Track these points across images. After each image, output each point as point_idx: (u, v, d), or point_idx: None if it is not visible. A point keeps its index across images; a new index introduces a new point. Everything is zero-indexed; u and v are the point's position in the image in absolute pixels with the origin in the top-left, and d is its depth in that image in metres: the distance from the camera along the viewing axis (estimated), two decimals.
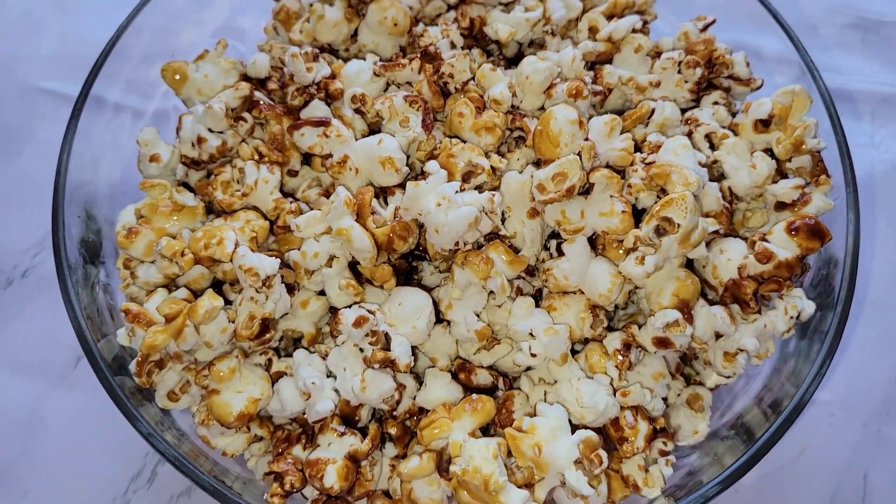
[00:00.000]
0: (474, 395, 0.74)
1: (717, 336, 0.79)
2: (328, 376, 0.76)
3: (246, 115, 0.85)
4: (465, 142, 0.80)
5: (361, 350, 0.74)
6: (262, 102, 0.85)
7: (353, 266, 0.78)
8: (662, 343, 0.77)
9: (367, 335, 0.73)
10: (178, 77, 0.90)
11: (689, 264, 0.80)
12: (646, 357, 0.80)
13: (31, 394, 1.04)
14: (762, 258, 0.77)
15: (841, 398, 1.05)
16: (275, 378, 0.78)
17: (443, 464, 0.74)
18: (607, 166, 0.79)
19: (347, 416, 0.77)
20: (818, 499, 0.99)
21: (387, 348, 0.73)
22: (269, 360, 0.79)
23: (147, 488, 0.99)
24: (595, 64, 0.90)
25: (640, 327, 0.79)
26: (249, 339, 0.74)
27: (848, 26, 1.31)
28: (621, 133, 0.80)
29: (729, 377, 0.82)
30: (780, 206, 0.82)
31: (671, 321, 0.74)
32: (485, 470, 0.67)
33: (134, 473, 1.00)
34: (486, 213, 0.76)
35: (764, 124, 0.84)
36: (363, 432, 0.76)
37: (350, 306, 0.76)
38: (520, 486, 0.70)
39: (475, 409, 0.72)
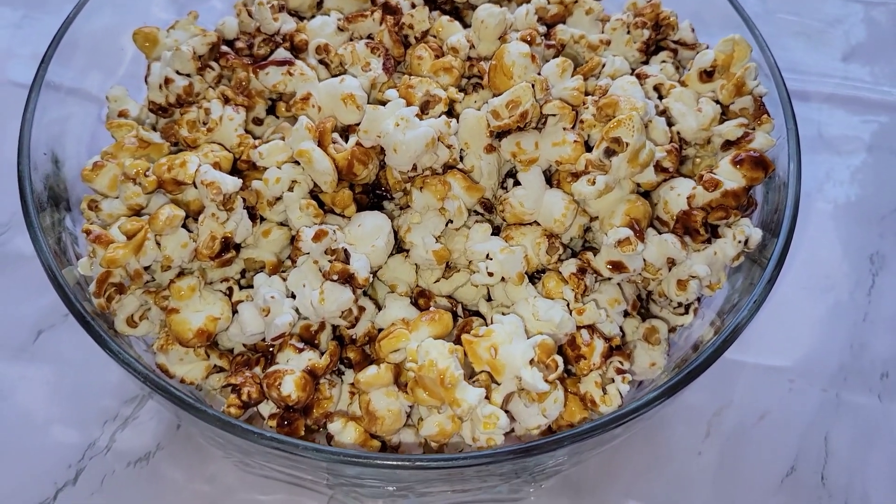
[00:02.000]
0: (432, 308, 0.76)
1: (670, 266, 0.82)
2: (288, 297, 0.77)
3: (213, 63, 0.88)
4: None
5: (321, 269, 0.75)
6: (229, 53, 0.88)
7: (315, 196, 0.80)
8: (616, 266, 0.79)
9: (326, 252, 0.74)
10: (147, 43, 0.93)
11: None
12: (601, 285, 0.82)
13: None
14: (709, 186, 0.80)
15: (799, 365, 1.06)
16: (235, 306, 0.78)
17: (401, 379, 0.74)
18: None
19: (307, 340, 0.77)
20: (781, 461, 1.00)
21: (346, 262, 0.74)
22: (230, 290, 0.79)
23: (104, 454, 0.97)
24: (548, 26, 0.95)
25: (595, 254, 0.81)
26: (210, 258, 0.75)
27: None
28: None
29: (683, 306, 0.84)
30: (727, 145, 0.86)
31: (622, 238, 0.76)
32: (440, 364, 0.67)
33: (91, 440, 0.98)
34: (443, 140, 0.78)
35: (708, 74, 0.88)
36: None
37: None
38: None
39: (433, 320, 0.73)
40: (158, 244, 0.74)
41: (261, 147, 0.79)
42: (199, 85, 0.87)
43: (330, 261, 0.74)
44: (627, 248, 0.76)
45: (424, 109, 0.80)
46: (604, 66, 0.91)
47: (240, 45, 0.92)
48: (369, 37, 0.89)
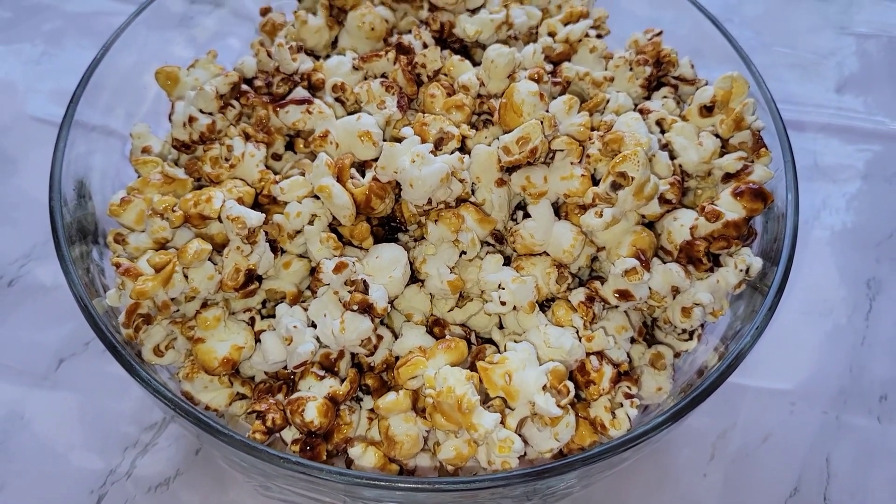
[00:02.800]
0: (447, 336, 0.79)
1: (675, 294, 0.85)
2: (309, 326, 0.80)
3: (234, 102, 0.92)
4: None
5: (341, 300, 0.78)
6: (249, 91, 0.92)
7: (334, 229, 0.84)
8: (623, 295, 0.82)
9: (346, 283, 0.78)
10: (169, 81, 0.97)
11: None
12: (609, 312, 0.85)
13: (11, 394, 1.06)
14: (711, 217, 0.83)
15: (800, 388, 1.09)
16: (257, 335, 0.82)
17: (419, 405, 0.77)
18: None
19: (327, 367, 0.80)
20: (785, 482, 1.03)
21: (365, 293, 0.77)
22: (252, 319, 0.83)
23: (125, 480, 0.99)
24: (554, 64, 0.99)
25: (602, 283, 0.84)
26: (234, 290, 0.79)
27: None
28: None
29: (687, 333, 0.87)
30: (727, 177, 0.90)
31: (629, 268, 0.79)
32: (458, 390, 0.70)
33: (112, 467, 1.00)
34: (456, 175, 0.82)
35: (708, 110, 0.92)
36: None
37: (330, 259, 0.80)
38: None
39: (448, 348, 0.76)
40: (186, 276, 0.78)
41: (282, 182, 0.83)
42: (220, 123, 0.91)
43: (350, 291, 0.77)
44: (634, 277, 0.80)
45: (438, 146, 0.84)
46: (608, 101, 0.95)
47: (258, 83, 0.96)
48: (383, 75, 0.93)
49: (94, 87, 0.94)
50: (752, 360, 1.10)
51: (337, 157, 0.83)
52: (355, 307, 0.76)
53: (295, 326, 0.78)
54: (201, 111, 0.90)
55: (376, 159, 0.84)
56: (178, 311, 0.81)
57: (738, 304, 0.90)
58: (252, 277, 0.80)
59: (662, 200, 0.86)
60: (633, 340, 0.88)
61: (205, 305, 0.81)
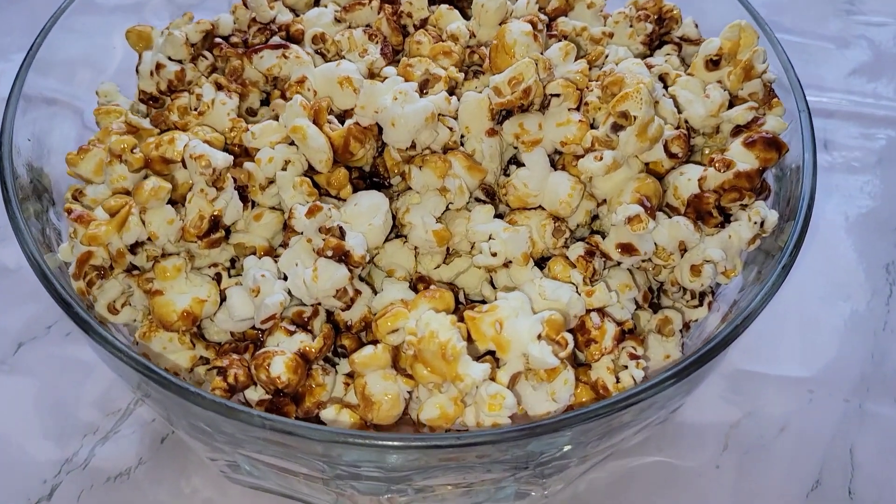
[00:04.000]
0: (432, 286, 0.71)
1: (683, 252, 0.78)
2: (280, 279, 0.72)
3: (206, 53, 0.86)
4: None
5: (315, 248, 0.71)
6: (222, 43, 0.86)
7: (311, 179, 0.77)
8: (626, 249, 0.75)
9: (320, 230, 0.70)
10: (141, 42, 0.91)
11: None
12: (611, 271, 0.77)
13: None
14: (721, 166, 0.76)
15: (819, 376, 1.01)
16: (223, 293, 0.74)
17: (400, 363, 0.69)
18: None
19: (299, 324, 0.72)
20: (805, 475, 0.94)
21: (341, 239, 0.70)
22: (219, 276, 0.75)
23: (82, 469, 0.91)
24: (550, 19, 0.93)
25: (603, 238, 0.77)
26: (198, 237, 0.71)
27: None
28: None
29: (697, 298, 0.79)
30: (737, 131, 0.83)
31: (632, 214, 0.72)
32: (441, 336, 0.62)
33: (69, 455, 0.92)
34: (443, 122, 0.75)
35: (714, 63, 0.86)
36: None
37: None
38: None
39: (433, 297, 0.68)
40: (143, 222, 0.70)
41: (253, 127, 0.76)
42: (191, 73, 0.84)
43: (324, 238, 0.70)
44: (638, 225, 0.72)
45: (424, 88, 0.77)
46: (607, 56, 0.88)
47: (234, 40, 0.90)
48: (367, 26, 0.87)
49: (47, 52, 0.88)
50: (766, 346, 1.03)
51: (314, 100, 0.76)
52: (329, 253, 0.69)
53: (263, 276, 0.70)
54: (170, 59, 0.83)
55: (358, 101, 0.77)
56: (135, 268, 0.73)
57: (750, 267, 0.82)
58: (217, 225, 0.72)
59: (668, 154, 0.79)
60: (637, 306, 0.80)
61: (165, 256, 0.73)
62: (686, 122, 0.84)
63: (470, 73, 0.84)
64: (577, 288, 0.73)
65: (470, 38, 0.85)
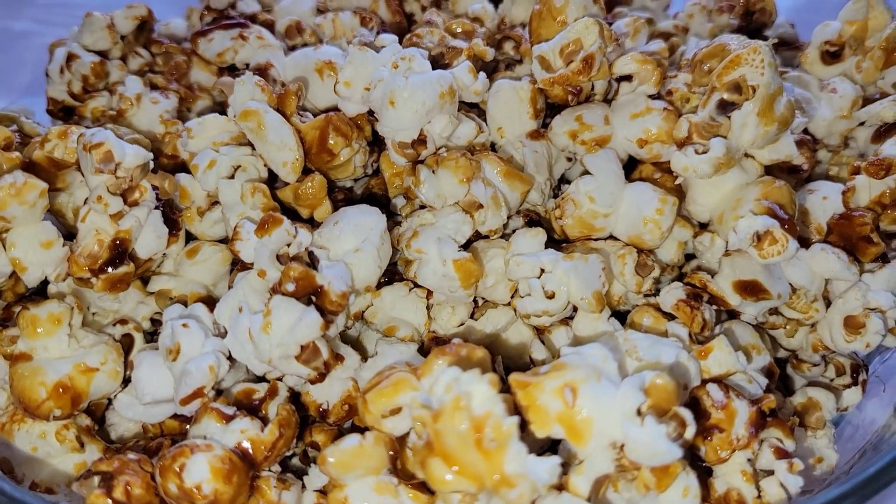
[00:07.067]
0: (455, 340, 0.44)
1: (828, 304, 0.52)
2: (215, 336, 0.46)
3: (141, 50, 0.63)
4: None
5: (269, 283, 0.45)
6: (162, 39, 0.64)
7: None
8: (749, 289, 0.49)
9: (279, 257, 0.45)
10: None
11: None
12: (727, 324, 0.51)
13: None
14: (877, 170, 0.52)
15: None
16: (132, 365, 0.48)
17: (401, 464, 0.42)
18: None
19: (247, 408, 0.45)
20: None
21: (311, 267, 0.44)
22: (129, 337, 0.49)
23: None
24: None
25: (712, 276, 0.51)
26: (92, 272, 0.46)
27: None
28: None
29: (848, 375, 0.53)
30: (880, 134, 0.59)
31: (762, 230, 0.47)
32: (476, 406, 0.36)
33: None
34: (470, 118, 0.52)
35: (832, 55, 0.63)
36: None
37: None
38: None
39: (456, 354, 0.41)
40: (3, 243, 0.45)
41: (189, 122, 0.52)
42: (117, 72, 0.61)
43: (284, 268, 0.44)
44: (772, 248, 0.47)
45: (438, 64, 0.54)
46: (683, 53, 0.66)
47: (186, 45, 0.68)
48: (360, 8, 0.65)
49: None
50: None
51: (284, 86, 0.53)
52: (291, 287, 0.43)
53: (185, 325, 0.44)
54: (87, 49, 0.61)
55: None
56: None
57: None
58: (124, 253, 0.47)
59: (789, 167, 0.55)
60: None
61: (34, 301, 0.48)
62: (805, 130, 0.60)
63: (501, 64, 0.61)
64: (683, 345, 0.46)
65: (499, 24, 0.63)
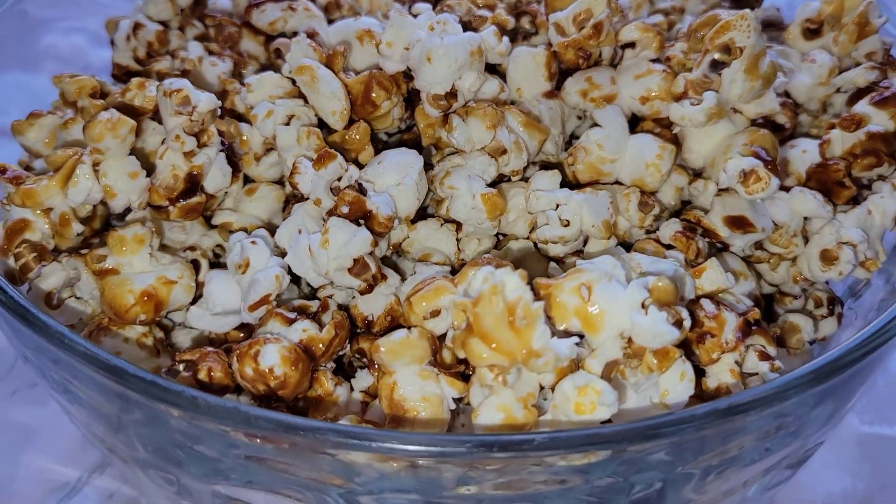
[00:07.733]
0: (486, 256, 0.52)
1: (806, 241, 0.59)
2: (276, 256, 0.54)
3: (196, 21, 0.71)
4: None
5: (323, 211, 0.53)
6: (216, 13, 0.72)
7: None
8: (737, 223, 0.57)
9: (332, 189, 0.52)
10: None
11: None
12: (718, 256, 0.59)
13: None
14: (849, 124, 0.60)
15: None
16: (201, 284, 0.55)
17: (439, 354, 0.49)
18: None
19: (303, 311, 0.53)
20: None
21: (361, 194, 0.52)
22: (196, 262, 0.56)
23: None
24: None
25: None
26: (169, 201, 0.53)
27: None
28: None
29: (825, 304, 0.60)
30: (855, 98, 0.66)
31: (748, 169, 0.54)
32: (510, 293, 0.43)
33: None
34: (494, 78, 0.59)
35: (812, 32, 0.71)
36: None
37: None
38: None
39: (489, 263, 0.49)
40: (97, 174, 0.52)
41: (248, 78, 0.60)
42: (176, 40, 0.69)
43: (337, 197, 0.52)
44: (756, 185, 0.54)
45: (467, 30, 0.61)
46: (679, 29, 0.73)
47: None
48: None
49: None
50: None
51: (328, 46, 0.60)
52: (346, 209, 0.50)
53: (254, 242, 0.51)
54: (151, 19, 0.68)
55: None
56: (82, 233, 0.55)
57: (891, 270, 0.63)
58: (195, 186, 0.54)
59: (773, 125, 0.63)
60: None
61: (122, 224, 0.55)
62: (787, 94, 0.68)
63: (519, 35, 0.69)
64: (681, 265, 0.54)
65: (517, 1, 0.71)
